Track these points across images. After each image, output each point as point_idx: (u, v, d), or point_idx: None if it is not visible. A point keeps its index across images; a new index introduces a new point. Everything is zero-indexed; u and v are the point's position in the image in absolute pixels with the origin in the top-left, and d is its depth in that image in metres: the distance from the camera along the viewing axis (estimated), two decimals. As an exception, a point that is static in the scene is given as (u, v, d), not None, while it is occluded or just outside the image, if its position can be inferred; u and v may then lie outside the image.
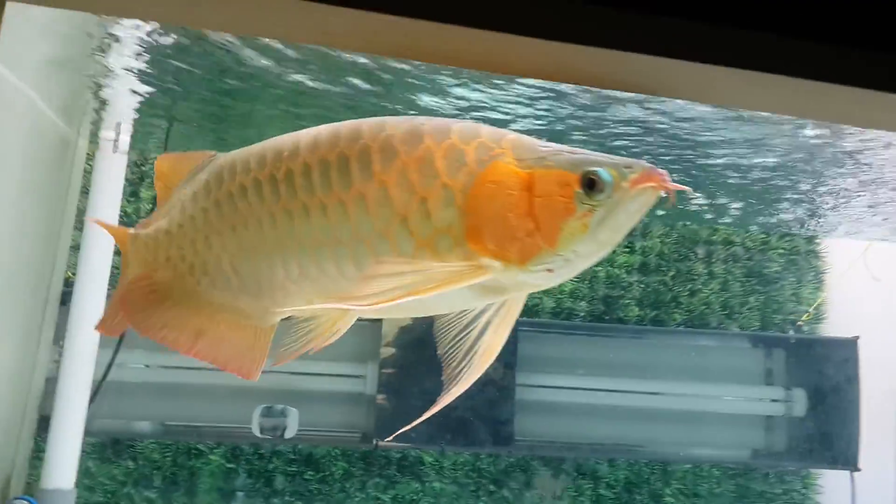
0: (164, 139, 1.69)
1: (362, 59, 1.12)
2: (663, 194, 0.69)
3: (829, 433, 1.99)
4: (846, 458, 1.96)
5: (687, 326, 2.25)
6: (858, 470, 1.97)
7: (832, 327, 2.19)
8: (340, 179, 0.76)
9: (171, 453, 2.04)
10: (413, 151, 0.74)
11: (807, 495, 2.31)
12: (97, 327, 0.90)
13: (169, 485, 2.04)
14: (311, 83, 1.22)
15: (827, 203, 1.86)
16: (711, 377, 2.11)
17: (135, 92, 1.38)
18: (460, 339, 0.80)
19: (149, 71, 1.26)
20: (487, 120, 1.26)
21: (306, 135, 0.80)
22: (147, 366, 1.85)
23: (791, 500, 2.30)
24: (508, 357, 1.83)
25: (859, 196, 1.77)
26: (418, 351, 1.83)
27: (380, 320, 1.82)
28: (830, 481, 2.25)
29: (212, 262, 0.86)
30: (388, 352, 1.82)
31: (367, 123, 0.77)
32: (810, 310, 2.23)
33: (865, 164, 1.51)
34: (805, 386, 2.00)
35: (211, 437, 1.97)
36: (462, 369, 0.80)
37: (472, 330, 0.79)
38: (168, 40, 1.13)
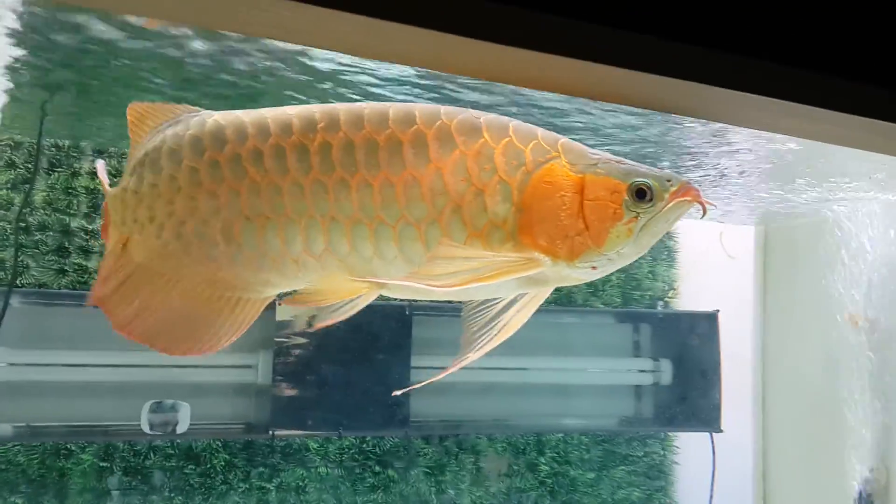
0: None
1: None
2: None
3: (693, 399, 2.17)
4: (709, 421, 2.15)
5: (557, 305, 2.36)
6: (721, 431, 2.16)
7: (692, 302, 2.38)
8: (390, 160, 0.77)
9: (37, 455, 1.89)
10: (472, 143, 0.77)
11: (665, 455, 2.51)
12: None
13: (37, 488, 1.89)
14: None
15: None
16: (584, 351, 2.23)
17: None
18: (484, 311, 0.83)
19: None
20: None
21: (346, 110, 0.79)
22: (11, 364, 1.70)
23: (651, 460, 2.49)
24: (403, 340, 1.84)
25: (714, 183, 1.92)
26: (313, 338, 1.81)
27: (273, 307, 1.77)
28: (686, 442, 2.46)
29: (192, 227, 0.81)
30: (282, 340, 1.78)
31: (418, 108, 0.79)
32: (675, 287, 2.41)
33: (720, 151, 1.64)
34: (671, 357, 2.17)
35: (93, 436, 1.84)
36: (481, 339, 0.83)
37: (497, 303, 0.83)
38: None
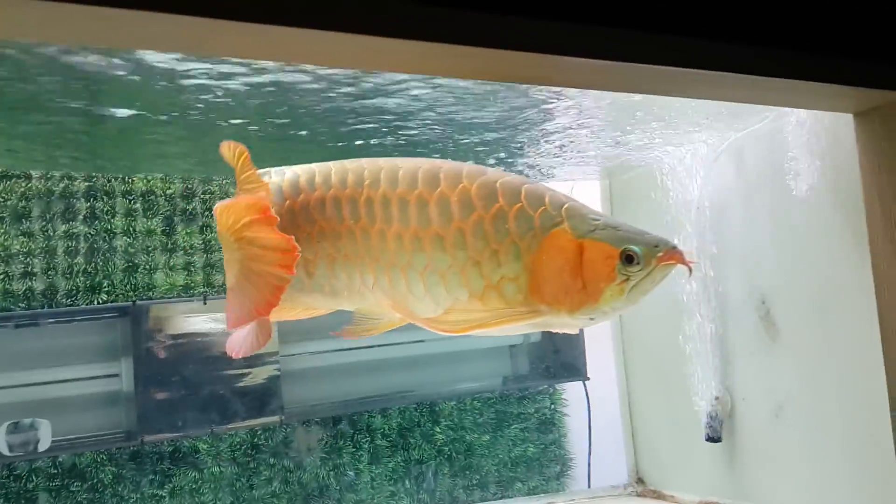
0: None
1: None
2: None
3: (561, 352, 2.27)
4: (577, 371, 2.25)
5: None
6: (588, 379, 2.27)
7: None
8: (419, 217, 0.93)
9: None
10: (489, 207, 0.91)
11: (555, 409, 2.60)
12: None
13: None
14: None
15: (539, 149, 2.07)
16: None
17: None
18: None
19: None
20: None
21: (388, 168, 0.95)
22: None
23: (543, 415, 2.59)
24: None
25: (557, 139, 1.99)
26: (174, 341, 1.81)
27: (128, 314, 1.78)
28: (572, 394, 2.56)
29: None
30: (143, 345, 1.78)
31: (444, 170, 0.94)
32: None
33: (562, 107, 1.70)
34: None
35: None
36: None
37: None
38: None
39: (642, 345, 2.14)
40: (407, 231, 0.93)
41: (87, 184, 2.17)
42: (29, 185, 2.11)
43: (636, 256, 0.88)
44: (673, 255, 0.89)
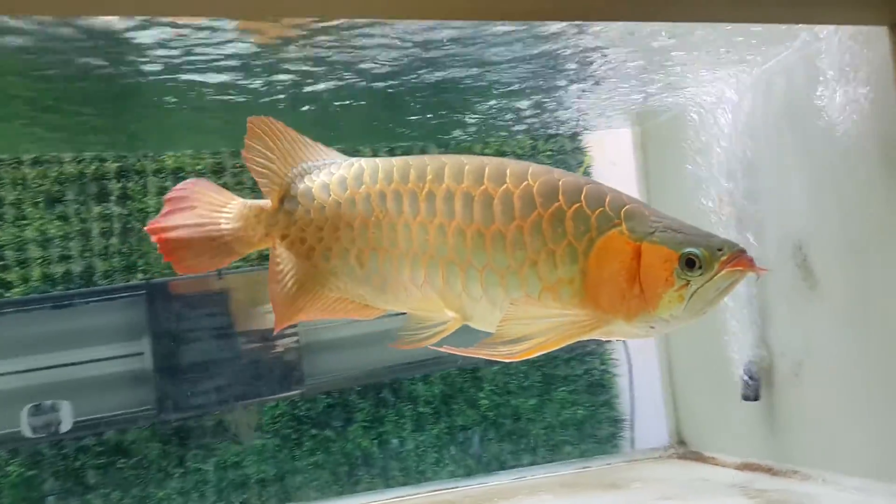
0: None
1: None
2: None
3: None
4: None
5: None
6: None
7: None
8: (483, 214, 0.89)
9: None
10: (548, 206, 0.87)
11: (605, 370, 2.51)
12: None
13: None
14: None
15: (579, 99, 1.97)
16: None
17: None
18: None
19: None
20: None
21: (452, 164, 0.93)
22: None
23: (591, 377, 2.50)
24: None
25: (598, 89, 1.88)
26: (193, 319, 1.81)
27: (145, 292, 1.79)
28: (622, 355, 2.46)
29: (336, 251, 0.98)
30: (163, 324, 1.79)
31: (510, 167, 0.91)
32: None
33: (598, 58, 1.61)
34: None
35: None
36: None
37: None
38: None
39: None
40: (469, 227, 0.90)
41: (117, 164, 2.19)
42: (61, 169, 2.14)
43: (697, 260, 0.82)
44: (739, 259, 0.82)
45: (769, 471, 1.60)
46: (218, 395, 1.80)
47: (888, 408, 1.33)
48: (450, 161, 0.93)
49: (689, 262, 0.81)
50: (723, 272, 0.81)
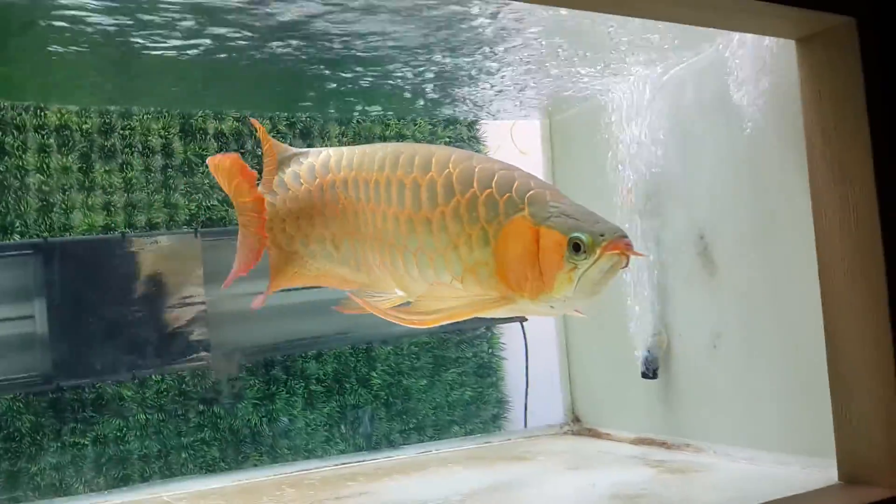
0: None
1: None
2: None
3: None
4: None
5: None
6: (526, 320, 2.25)
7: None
8: (413, 200, 0.97)
9: None
10: (465, 193, 0.95)
11: (492, 353, 2.59)
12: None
13: None
14: None
15: (485, 87, 2.01)
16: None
17: None
18: None
19: None
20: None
21: (390, 152, 1.02)
22: None
23: (480, 360, 2.57)
24: (193, 269, 1.77)
25: (502, 77, 1.93)
26: (89, 282, 1.70)
27: (42, 253, 1.65)
28: (510, 339, 2.55)
29: (314, 237, 1.09)
30: (57, 286, 1.67)
31: (436, 155, 0.99)
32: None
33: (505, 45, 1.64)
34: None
35: None
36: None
37: None
38: None
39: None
40: (402, 213, 0.98)
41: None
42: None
43: (582, 245, 0.88)
44: (616, 244, 0.88)
45: (663, 444, 1.72)
46: (113, 364, 1.70)
47: (777, 386, 1.48)
48: (390, 150, 1.02)
49: (576, 247, 0.88)
50: (604, 255, 0.88)
